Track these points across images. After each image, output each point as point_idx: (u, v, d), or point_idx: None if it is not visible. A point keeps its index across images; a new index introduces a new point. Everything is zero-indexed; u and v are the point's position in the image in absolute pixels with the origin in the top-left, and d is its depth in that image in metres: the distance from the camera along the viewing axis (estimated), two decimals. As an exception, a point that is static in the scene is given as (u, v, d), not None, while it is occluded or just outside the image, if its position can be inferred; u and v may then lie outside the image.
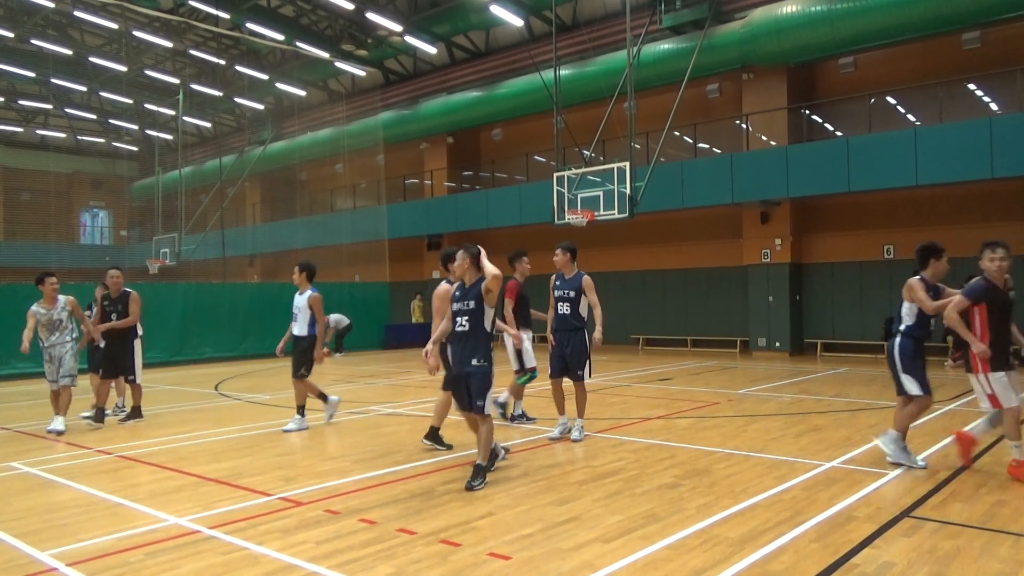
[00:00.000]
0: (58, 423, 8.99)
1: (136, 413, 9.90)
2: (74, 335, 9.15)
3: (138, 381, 9.88)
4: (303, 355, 8.94)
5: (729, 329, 20.30)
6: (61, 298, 9.02)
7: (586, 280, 7.89)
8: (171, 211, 30.64)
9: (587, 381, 8.03)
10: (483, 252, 6.32)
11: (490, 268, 6.11)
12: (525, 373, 8.65)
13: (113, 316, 9.48)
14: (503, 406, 9.04)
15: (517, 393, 9.10)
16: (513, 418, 9.07)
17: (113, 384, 9.91)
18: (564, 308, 7.88)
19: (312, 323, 8.94)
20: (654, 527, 4.83)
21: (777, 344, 18.82)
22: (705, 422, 8.92)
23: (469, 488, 5.87)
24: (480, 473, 6.03)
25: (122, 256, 37.05)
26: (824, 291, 18.90)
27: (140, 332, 10.08)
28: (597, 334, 7.77)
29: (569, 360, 7.88)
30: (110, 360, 9.52)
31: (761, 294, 19.14)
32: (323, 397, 9.32)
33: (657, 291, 21.85)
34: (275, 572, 4.21)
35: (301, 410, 9.08)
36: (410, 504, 5.51)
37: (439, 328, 6.60)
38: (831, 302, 18.78)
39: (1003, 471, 6.17)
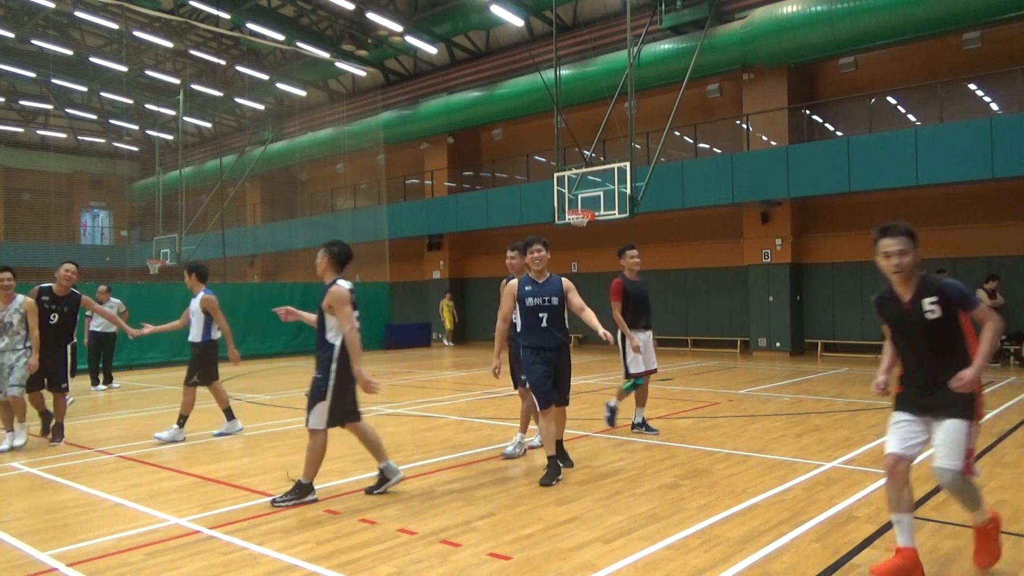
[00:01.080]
0: (19, 437, 7.98)
1: (59, 433, 8.39)
2: (27, 343, 7.91)
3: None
4: (196, 362, 8.45)
5: (729, 329, 20.30)
6: (19, 298, 7.91)
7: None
8: (171, 211, 30.65)
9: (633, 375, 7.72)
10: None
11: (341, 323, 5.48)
12: (628, 379, 7.98)
13: (53, 317, 8.23)
14: (612, 411, 8.11)
15: (641, 399, 8.23)
16: (633, 426, 8.25)
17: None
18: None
19: (208, 328, 8.48)
20: (655, 527, 4.83)
21: (777, 344, 18.81)
22: (705, 422, 8.92)
23: (273, 503, 5.54)
24: (296, 490, 5.58)
25: (122, 256, 37.08)
26: (825, 291, 18.90)
27: (75, 339, 8.72)
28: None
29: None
30: (40, 370, 8.05)
31: (761, 294, 19.14)
32: (229, 414, 8.71)
33: (657, 291, 21.72)
34: (276, 572, 4.20)
35: (182, 421, 8.46)
36: (410, 504, 5.51)
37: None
38: (832, 302, 18.77)
39: (1004, 471, 6.16)
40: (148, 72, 29.95)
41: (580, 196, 17.60)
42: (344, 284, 5.57)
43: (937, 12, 15.35)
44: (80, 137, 37.86)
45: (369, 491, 5.84)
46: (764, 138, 19.21)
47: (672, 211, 19.50)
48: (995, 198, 16.26)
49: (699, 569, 4.09)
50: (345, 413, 5.67)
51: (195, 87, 29.74)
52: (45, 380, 8.25)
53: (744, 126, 19.49)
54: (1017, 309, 15.67)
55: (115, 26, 25.90)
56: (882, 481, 5.88)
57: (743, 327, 19.85)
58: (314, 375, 5.60)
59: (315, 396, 5.55)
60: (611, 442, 7.80)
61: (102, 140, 38.98)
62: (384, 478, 5.85)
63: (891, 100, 18.41)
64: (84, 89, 31.77)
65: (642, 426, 8.20)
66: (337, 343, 5.54)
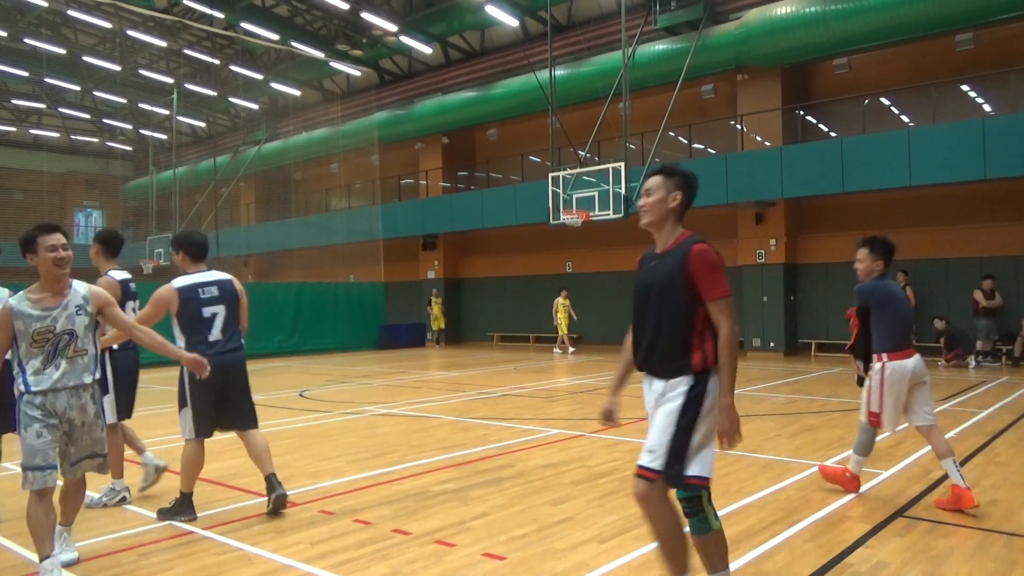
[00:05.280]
0: (69, 549, 4.50)
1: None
2: (95, 368, 4.41)
3: None
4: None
5: (724, 329, 20.30)
6: (78, 287, 4.40)
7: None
8: (165, 211, 30.57)
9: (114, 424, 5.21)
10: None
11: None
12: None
13: None
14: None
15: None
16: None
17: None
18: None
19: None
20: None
21: (771, 344, 18.85)
22: (700, 422, 8.92)
23: None
24: None
25: (116, 256, 36.96)
26: (818, 291, 18.94)
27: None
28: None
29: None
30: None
31: (756, 294, 19.18)
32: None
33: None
34: (270, 573, 4.20)
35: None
36: (405, 504, 5.51)
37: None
38: (825, 302, 18.81)
39: (996, 471, 6.19)
40: (142, 71, 29.83)
41: (575, 196, 17.62)
42: None
43: (930, 13, 15.41)
44: (73, 136, 37.72)
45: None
46: (758, 139, 19.25)
47: (667, 211, 19.50)
48: (988, 199, 16.32)
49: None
50: None
51: (189, 87, 29.66)
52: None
53: (738, 126, 19.52)
54: (1009, 310, 15.73)
55: (108, 25, 25.80)
56: (875, 481, 5.92)
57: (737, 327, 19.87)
58: None
59: None
60: (605, 442, 7.81)
61: (95, 139, 38.82)
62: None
63: (884, 101, 18.47)
64: (77, 88, 31.63)
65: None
66: None
